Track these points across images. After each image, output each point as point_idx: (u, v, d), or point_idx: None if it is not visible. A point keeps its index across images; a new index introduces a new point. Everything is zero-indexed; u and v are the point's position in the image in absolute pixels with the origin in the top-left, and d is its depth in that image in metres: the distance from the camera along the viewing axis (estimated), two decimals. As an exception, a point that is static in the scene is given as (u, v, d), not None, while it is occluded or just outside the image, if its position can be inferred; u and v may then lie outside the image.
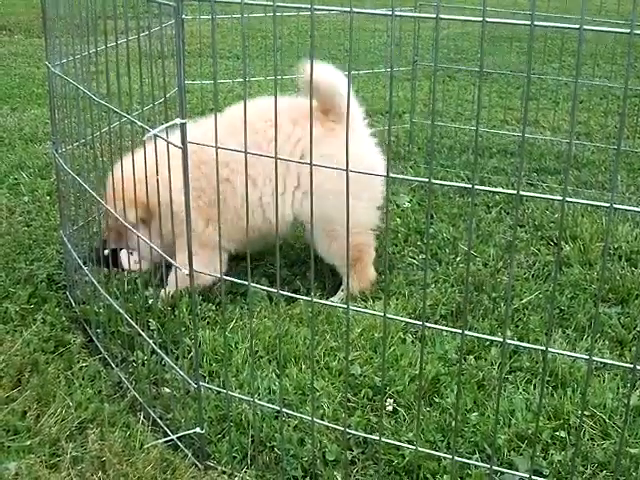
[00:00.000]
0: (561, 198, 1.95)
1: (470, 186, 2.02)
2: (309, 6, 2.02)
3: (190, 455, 2.69)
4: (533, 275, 3.94)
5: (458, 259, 4.08)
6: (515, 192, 1.99)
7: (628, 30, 1.80)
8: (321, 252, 3.70)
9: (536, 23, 1.84)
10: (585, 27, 1.83)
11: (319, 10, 2.04)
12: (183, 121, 2.28)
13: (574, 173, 5.45)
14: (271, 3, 2.06)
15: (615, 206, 1.91)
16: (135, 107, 3.41)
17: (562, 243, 4.23)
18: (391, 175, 2.12)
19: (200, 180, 3.48)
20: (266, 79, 7.08)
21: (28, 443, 2.69)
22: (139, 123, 2.61)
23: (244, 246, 3.67)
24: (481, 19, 1.87)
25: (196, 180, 3.39)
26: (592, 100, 6.98)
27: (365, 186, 3.52)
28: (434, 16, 1.92)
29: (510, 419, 2.81)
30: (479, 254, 4.13)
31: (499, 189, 2.03)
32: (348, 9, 2.03)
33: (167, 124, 2.30)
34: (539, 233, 4.43)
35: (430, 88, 7.18)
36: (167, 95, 2.66)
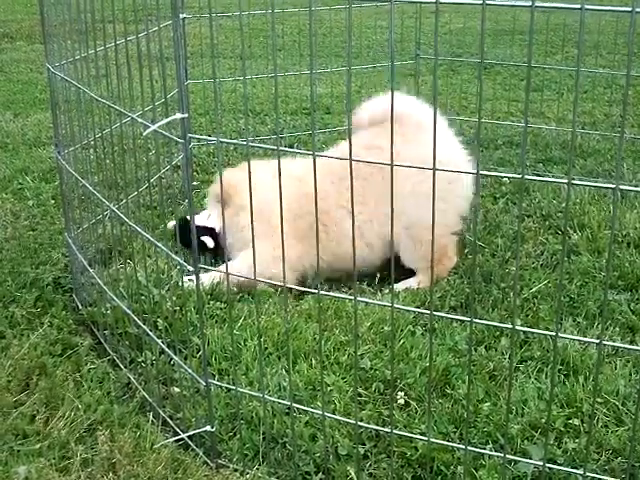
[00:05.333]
0: (567, 181, 1.93)
1: (475, 172, 2.00)
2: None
3: (201, 454, 2.68)
4: (542, 264, 3.92)
5: (466, 250, 4.06)
6: (520, 177, 1.98)
7: (629, 9, 1.79)
8: (404, 256, 3.86)
9: (537, 4, 1.82)
10: (587, 7, 1.81)
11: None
12: (184, 116, 2.26)
13: (580, 162, 5.42)
14: (268, -7, 2.04)
15: (620, 187, 1.89)
16: (138, 107, 3.39)
17: (570, 232, 4.20)
18: (482, 172, 2.11)
19: (301, 205, 3.59)
20: (268, 77, 7.05)
21: (37, 447, 2.68)
22: (140, 120, 2.60)
23: (335, 271, 3.87)
24: (481, 2, 1.86)
25: (296, 202, 3.57)
26: (596, 90, 6.95)
27: (451, 189, 3.57)
28: (434, 0, 1.90)
29: (522, 408, 2.79)
30: (487, 245, 4.11)
31: (503, 174, 2.01)
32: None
33: (167, 119, 2.29)
34: (547, 223, 4.41)
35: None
36: (169, 95, 2.65)
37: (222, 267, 3.63)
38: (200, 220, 3.93)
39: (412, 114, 3.80)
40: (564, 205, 4.56)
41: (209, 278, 3.65)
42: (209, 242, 3.98)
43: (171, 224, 3.98)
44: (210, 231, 4.00)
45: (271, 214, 3.32)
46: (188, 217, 3.80)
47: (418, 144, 3.43)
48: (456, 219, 3.92)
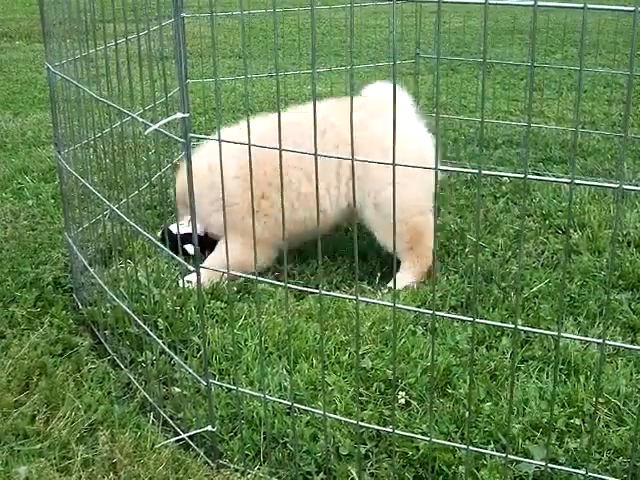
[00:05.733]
0: (569, 181, 1.92)
1: (477, 171, 1.99)
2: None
3: (202, 454, 2.67)
4: (542, 264, 3.92)
5: (467, 250, 4.05)
6: (523, 176, 1.97)
7: (632, 8, 1.78)
8: (379, 239, 3.82)
9: (540, 3, 1.81)
10: (589, 6, 1.81)
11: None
12: (185, 115, 2.26)
13: (580, 161, 5.41)
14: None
15: (625, 187, 1.89)
16: (138, 107, 3.39)
17: (571, 231, 4.20)
18: (484, 172, 2.10)
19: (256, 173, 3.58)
20: (268, 77, 7.06)
21: (38, 447, 2.67)
22: (140, 119, 2.59)
23: (294, 240, 3.76)
24: (483, 1, 1.85)
25: (244, 170, 3.52)
26: (595, 89, 6.95)
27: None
28: (437, 0, 1.89)
29: (524, 408, 2.79)
30: (487, 244, 4.10)
31: (506, 173, 2.01)
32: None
33: (168, 118, 2.28)
34: (547, 222, 4.40)
35: (433, 82, 7.15)
36: (169, 94, 2.65)
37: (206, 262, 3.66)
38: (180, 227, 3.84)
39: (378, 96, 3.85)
40: (564, 204, 4.55)
41: (207, 279, 3.63)
42: (190, 249, 3.87)
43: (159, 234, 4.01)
44: (190, 237, 3.89)
45: (232, 201, 3.47)
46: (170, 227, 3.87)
47: (377, 125, 3.55)
48: (426, 197, 3.85)
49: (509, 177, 4.80)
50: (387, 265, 3.88)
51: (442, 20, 8.90)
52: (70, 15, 3.18)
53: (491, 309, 3.48)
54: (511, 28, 9.35)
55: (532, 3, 1.80)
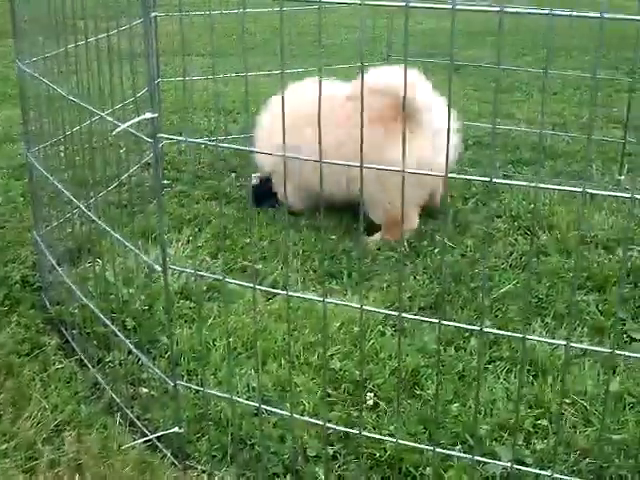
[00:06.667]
0: (534, 185, 1.94)
1: (444, 175, 2.01)
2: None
3: (169, 455, 2.66)
4: (511, 265, 3.94)
5: (436, 251, 4.06)
6: (489, 180, 1.98)
7: (598, 14, 1.81)
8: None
9: (506, 9, 1.82)
10: (555, 12, 1.82)
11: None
12: (154, 115, 2.25)
13: (549, 163, 5.45)
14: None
15: (588, 190, 1.90)
16: (109, 105, 3.37)
17: (539, 232, 4.23)
18: (450, 175, 2.11)
19: None
20: (240, 76, 7.02)
21: (3, 447, 2.65)
22: (109, 119, 2.58)
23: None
24: (451, 6, 1.86)
25: None
26: (566, 91, 7.01)
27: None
28: (404, 4, 1.89)
29: (491, 409, 2.80)
30: (457, 245, 4.12)
31: (472, 177, 2.03)
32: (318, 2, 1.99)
33: (138, 118, 2.27)
34: (516, 223, 4.42)
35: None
36: (140, 94, 2.64)
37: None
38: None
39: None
40: (533, 206, 4.58)
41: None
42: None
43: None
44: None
45: None
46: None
47: None
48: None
49: (475, 181, 4.81)
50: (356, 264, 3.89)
51: (415, 21, 8.95)
52: (41, 12, 3.15)
53: (460, 310, 3.49)
54: (482, 30, 9.40)
55: (498, 9, 1.81)
